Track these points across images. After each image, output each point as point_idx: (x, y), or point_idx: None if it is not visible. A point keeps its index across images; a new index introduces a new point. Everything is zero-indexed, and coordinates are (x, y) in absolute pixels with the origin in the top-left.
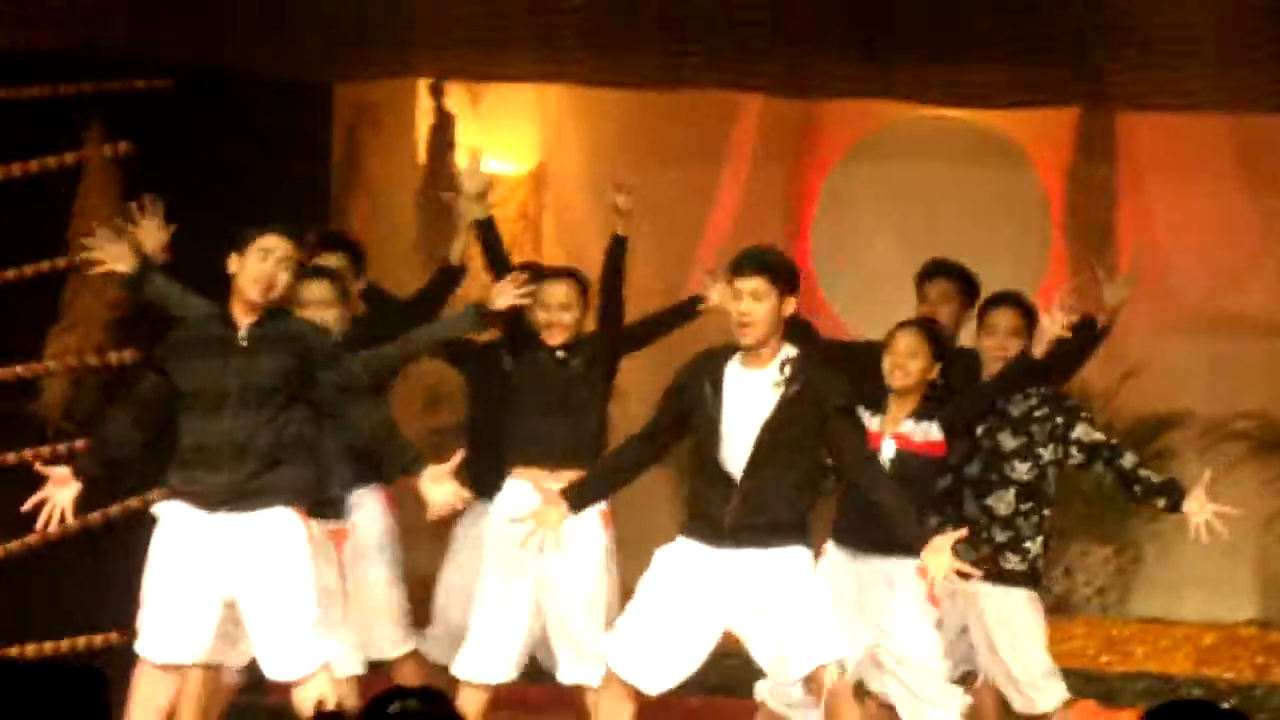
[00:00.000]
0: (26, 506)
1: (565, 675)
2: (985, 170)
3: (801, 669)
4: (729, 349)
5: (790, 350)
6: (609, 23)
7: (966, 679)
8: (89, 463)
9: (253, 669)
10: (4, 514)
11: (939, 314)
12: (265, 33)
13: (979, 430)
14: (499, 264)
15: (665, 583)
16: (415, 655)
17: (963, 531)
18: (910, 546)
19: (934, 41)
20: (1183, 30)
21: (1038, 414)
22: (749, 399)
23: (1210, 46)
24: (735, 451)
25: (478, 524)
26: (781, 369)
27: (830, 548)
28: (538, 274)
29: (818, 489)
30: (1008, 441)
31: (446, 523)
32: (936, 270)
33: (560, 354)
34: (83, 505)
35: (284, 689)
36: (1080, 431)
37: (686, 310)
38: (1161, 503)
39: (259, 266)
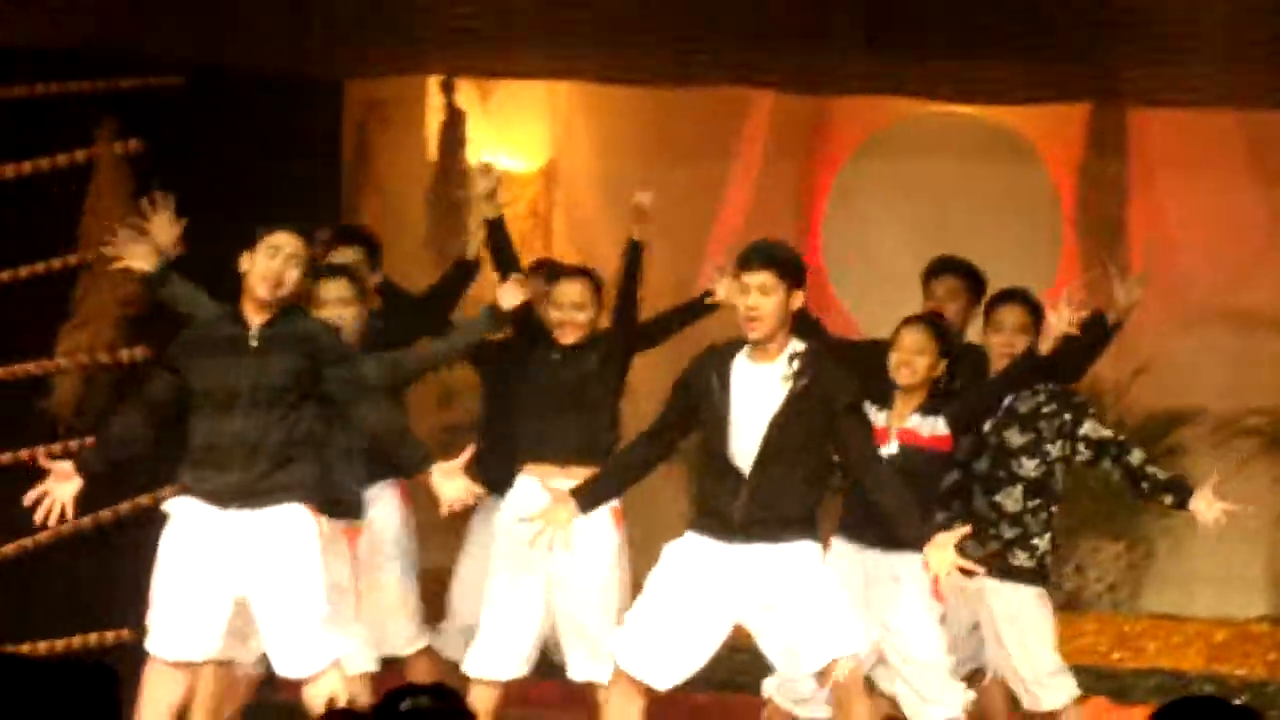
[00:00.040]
0: (27, 500)
1: (576, 673)
2: (996, 166)
3: (815, 663)
4: (735, 344)
5: (798, 344)
6: (619, 19)
7: (974, 676)
8: (94, 459)
9: (268, 663)
10: (15, 511)
11: (946, 310)
12: (276, 30)
13: (987, 427)
14: (507, 263)
15: (673, 578)
16: (428, 652)
17: (966, 530)
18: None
19: (945, 38)
20: (1193, 26)
21: (1045, 410)
22: (757, 393)
23: (1220, 42)
24: (743, 446)
25: (492, 520)
26: (790, 363)
27: (836, 542)
28: (552, 272)
29: (826, 483)
30: (1015, 438)
31: (461, 518)
32: (943, 267)
33: (573, 352)
34: (94, 502)
35: (295, 686)
36: (1088, 428)
37: (698, 307)
38: (1169, 500)
39: (267, 264)
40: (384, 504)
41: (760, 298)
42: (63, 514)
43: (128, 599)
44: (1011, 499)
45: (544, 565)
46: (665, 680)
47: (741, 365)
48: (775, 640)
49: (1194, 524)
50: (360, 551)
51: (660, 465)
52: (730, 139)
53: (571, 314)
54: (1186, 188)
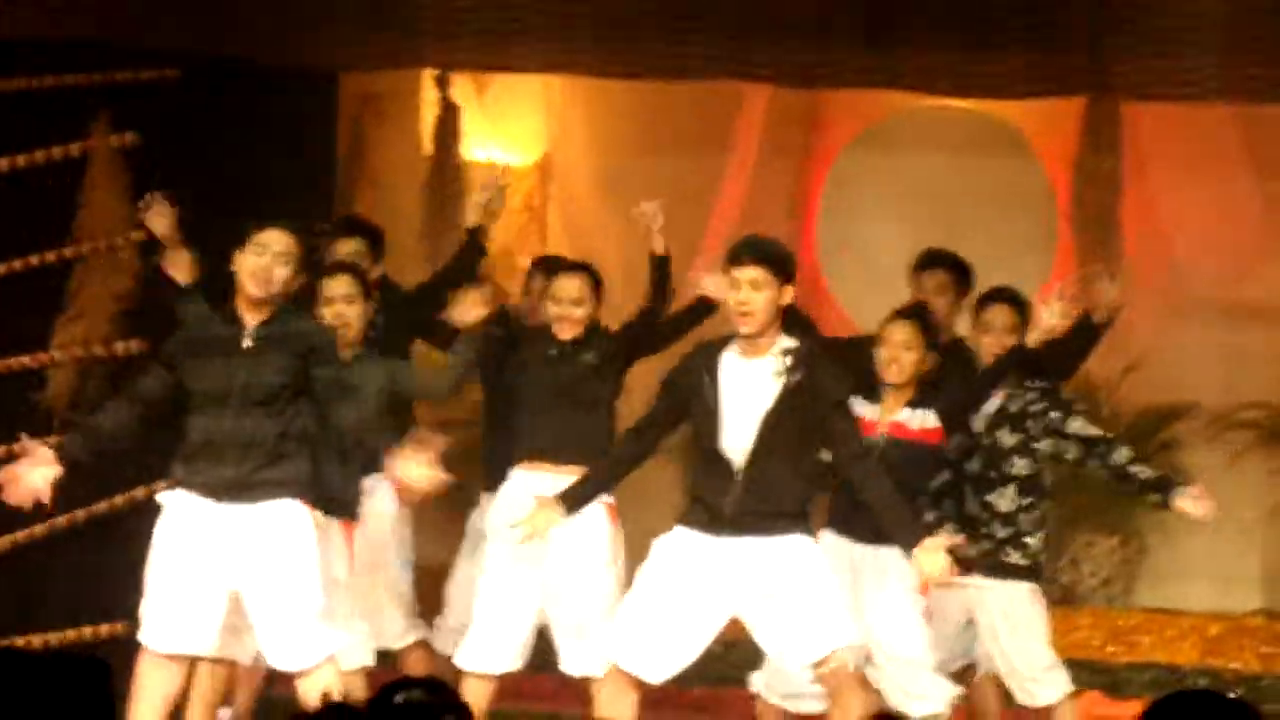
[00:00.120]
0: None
1: (571, 667)
2: (991, 161)
3: (812, 655)
4: (724, 339)
5: (789, 341)
6: (615, 13)
7: (965, 672)
8: (78, 448)
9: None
10: (9, 505)
11: (934, 304)
12: (271, 23)
13: (980, 428)
14: (465, 271)
15: (664, 572)
16: (423, 645)
17: (959, 540)
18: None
19: (940, 32)
20: (1189, 20)
21: (1034, 409)
22: (748, 389)
23: (1216, 36)
24: (735, 442)
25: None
26: (783, 358)
27: (825, 535)
28: (551, 268)
29: (818, 478)
30: (1007, 438)
31: (460, 514)
32: (932, 260)
33: (571, 348)
34: (88, 495)
35: (290, 680)
36: (1076, 426)
37: (700, 309)
38: (1155, 498)
39: (255, 261)
40: (379, 497)
41: (751, 293)
42: (54, 506)
43: (122, 592)
44: (1004, 499)
45: (538, 559)
46: (658, 674)
47: (731, 361)
48: (771, 633)
49: (1188, 518)
50: (355, 545)
51: (646, 461)
52: (725, 133)
53: (569, 309)
54: (1181, 182)
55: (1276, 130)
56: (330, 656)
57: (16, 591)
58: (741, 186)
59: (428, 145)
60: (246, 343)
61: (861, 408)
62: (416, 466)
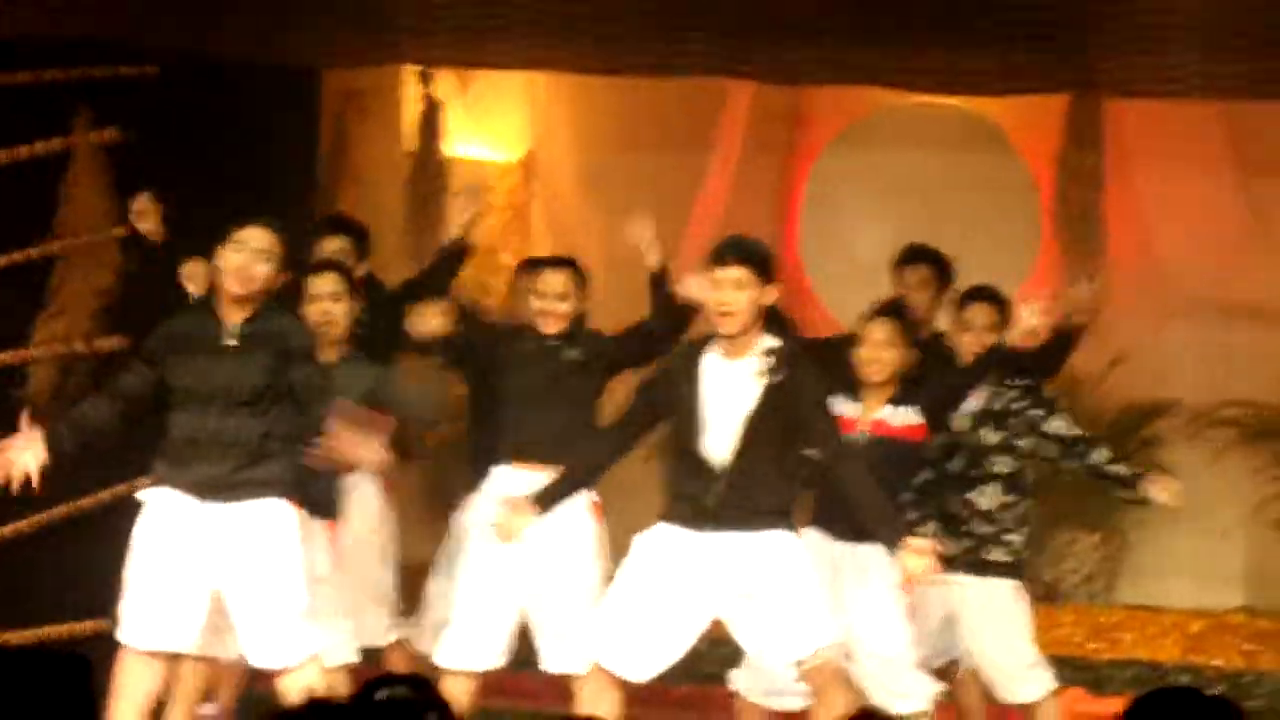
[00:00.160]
0: None
1: (552, 664)
2: (974, 157)
3: (795, 653)
4: (705, 340)
5: (771, 340)
6: (598, 10)
7: (948, 669)
8: (65, 440)
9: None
10: None
11: (915, 299)
12: (253, 20)
13: (963, 426)
14: (436, 285)
15: (646, 569)
16: (405, 643)
17: (939, 547)
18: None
19: (923, 29)
20: (1172, 16)
21: (1015, 406)
22: (730, 389)
23: (1198, 33)
24: (717, 442)
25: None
26: (765, 358)
27: (808, 533)
28: (535, 263)
29: (801, 476)
30: (990, 436)
31: (444, 511)
32: (914, 255)
33: (554, 342)
34: (69, 491)
35: (273, 678)
36: (1056, 425)
37: (683, 319)
38: (1128, 494)
39: (235, 259)
40: (362, 494)
41: (735, 293)
42: (37, 499)
43: (103, 589)
44: (987, 497)
45: (519, 557)
46: (641, 672)
47: (713, 361)
48: (753, 631)
49: (1170, 516)
50: (340, 543)
51: (622, 459)
52: (709, 130)
53: (554, 304)
54: (1164, 179)
55: (1259, 127)
56: (313, 655)
57: None
58: (725, 183)
59: (410, 142)
60: (229, 341)
61: (842, 406)
62: (364, 446)
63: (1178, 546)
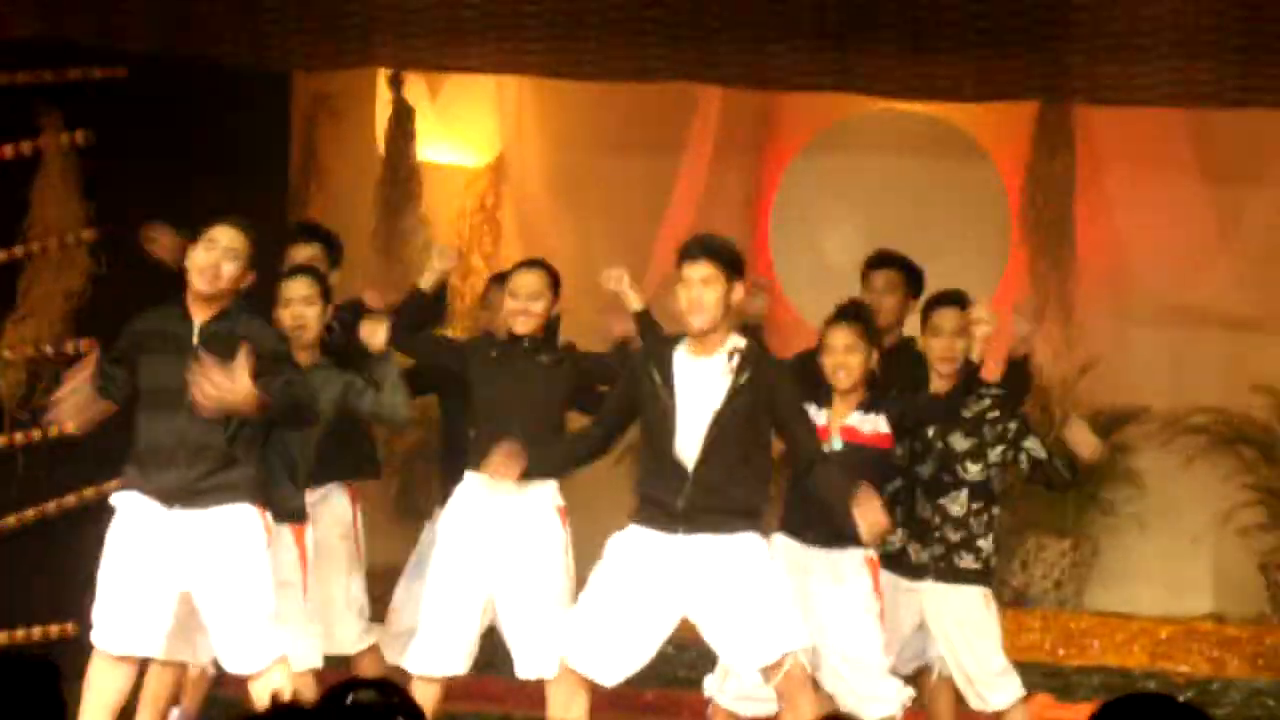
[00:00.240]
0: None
1: (523, 670)
2: (944, 163)
3: (764, 658)
4: (675, 338)
5: (739, 340)
6: (568, 14)
7: (920, 674)
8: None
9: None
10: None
11: (884, 303)
12: (223, 21)
13: (930, 432)
14: (407, 317)
15: (617, 572)
16: (376, 650)
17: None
18: (857, 538)
19: (895, 35)
20: (1143, 24)
21: (989, 416)
22: (699, 387)
23: (1168, 41)
24: (687, 439)
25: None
26: (730, 358)
27: (778, 538)
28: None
29: (769, 477)
30: (960, 443)
31: (412, 521)
32: (882, 261)
33: (527, 344)
34: (38, 495)
35: (240, 681)
36: (1031, 444)
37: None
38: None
39: (204, 256)
40: (331, 504)
41: (703, 289)
42: (4, 503)
43: (71, 593)
44: (957, 503)
45: (487, 562)
46: (611, 676)
47: (682, 359)
48: (722, 635)
49: (1139, 522)
50: (308, 550)
51: (600, 455)
52: (680, 133)
53: (527, 304)
54: (1133, 186)
55: (1227, 134)
56: (281, 658)
57: None
58: (696, 187)
59: (381, 145)
60: (195, 340)
61: (812, 414)
62: (229, 380)
63: (1147, 553)
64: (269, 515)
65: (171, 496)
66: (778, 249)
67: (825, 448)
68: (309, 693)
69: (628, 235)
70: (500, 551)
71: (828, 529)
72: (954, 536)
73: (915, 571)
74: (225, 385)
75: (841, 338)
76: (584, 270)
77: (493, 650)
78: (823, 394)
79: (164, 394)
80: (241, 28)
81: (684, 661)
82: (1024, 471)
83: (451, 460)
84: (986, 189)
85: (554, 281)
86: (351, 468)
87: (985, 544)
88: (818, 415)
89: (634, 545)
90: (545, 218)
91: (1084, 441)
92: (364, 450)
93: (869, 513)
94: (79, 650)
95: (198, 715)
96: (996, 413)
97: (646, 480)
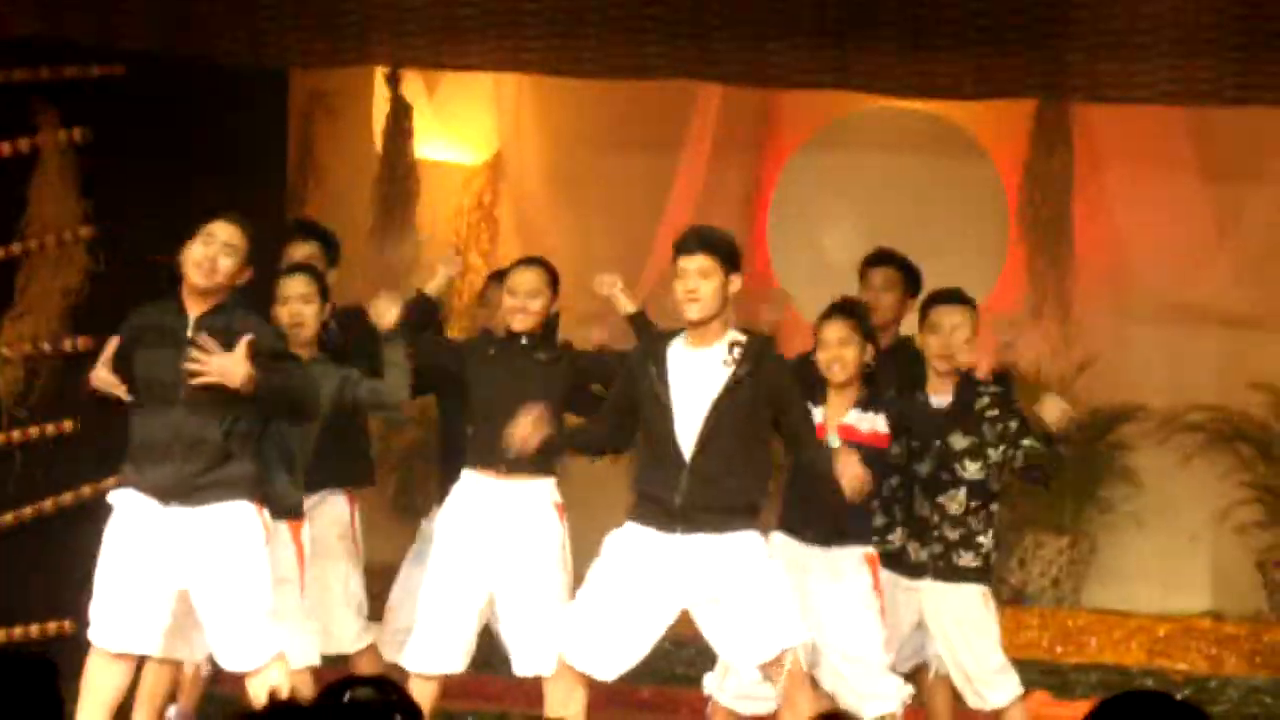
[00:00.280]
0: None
1: (521, 667)
2: (942, 161)
3: (763, 655)
4: (672, 331)
5: (737, 333)
6: (568, 11)
7: (917, 672)
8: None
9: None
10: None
11: (882, 301)
12: (221, 20)
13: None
14: (407, 320)
15: (615, 569)
16: (373, 648)
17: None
18: (856, 536)
19: (894, 32)
20: (1142, 22)
21: (989, 415)
22: (697, 379)
23: (1166, 39)
24: (685, 432)
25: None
26: (730, 350)
27: (776, 536)
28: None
29: (768, 473)
30: (959, 441)
31: (409, 520)
32: (881, 258)
33: (524, 340)
34: (35, 493)
35: (237, 679)
36: (1030, 443)
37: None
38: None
39: (201, 251)
40: (330, 502)
41: (700, 280)
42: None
43: (68, 590)
44: (955, 501)
45: (485, 560)
46: (608, 672)
47: (679, 351)
48: (722, 632)
49: (1137, 520)
50: (306, 548)
51: (608, 446)
52: (678, 130)
53: (525, 301)
54: (1131, 184)
55: (1226, 132)
56: (278, 655)
57: None
58: (695, 184)
59: (379, 143)
60: (190, 334)
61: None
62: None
63: (1144, 550)
64: (266, 512)
65: (168, 493)
66: (776, 246)
67: (828, 449)
68: (306, 690)
69: (627, 233)
70: (498, 549)
71: (827, 527)
72: (953, 535)
73: (914, 570)
74: (225, 363)
75: (835, 331)
76: (582, 268)
77: (490, 648)
78: (819, 392)
79: (159, 388)
80: (239, 26)
81: (682, 658)
82: (1017, 469)
83: (449, 459)
84: (985, 187)
85: (552, 279)
86: (347, 475)
87: (984, 541)
88: (815, 413)
89: (631, 543)
90: (543, 215)
91: (1049, 409)
92: (360, 456)
93: (849, 466)
94: (76, 648)
95: (194, 713)
96: (996, 411)
97: (644, 476)
